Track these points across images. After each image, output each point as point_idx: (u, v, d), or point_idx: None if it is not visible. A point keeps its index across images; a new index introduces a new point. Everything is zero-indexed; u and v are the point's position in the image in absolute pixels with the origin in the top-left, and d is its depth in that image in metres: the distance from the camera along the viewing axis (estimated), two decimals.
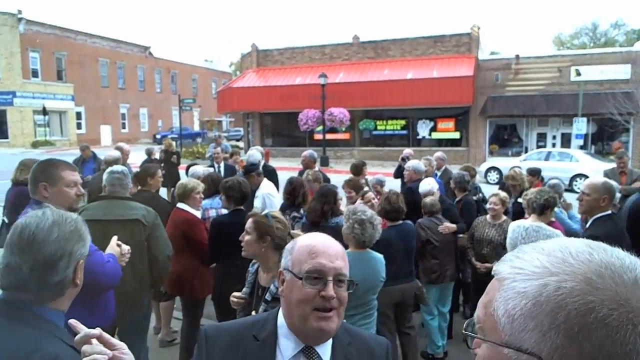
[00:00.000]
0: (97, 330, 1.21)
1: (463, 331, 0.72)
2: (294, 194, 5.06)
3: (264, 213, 2.93)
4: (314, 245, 1.44)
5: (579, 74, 22.69)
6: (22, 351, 1.36)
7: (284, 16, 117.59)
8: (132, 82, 42.95)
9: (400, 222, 4.44)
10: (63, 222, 1.53)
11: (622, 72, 21.87)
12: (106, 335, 1.22)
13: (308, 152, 7.57)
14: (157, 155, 11.70)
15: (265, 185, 6.07)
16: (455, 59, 25.05)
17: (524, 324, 0.60)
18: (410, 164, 6.73)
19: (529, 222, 3.53)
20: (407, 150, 8.72)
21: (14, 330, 1.41)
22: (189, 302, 4.56)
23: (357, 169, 6.88)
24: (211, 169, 7.26)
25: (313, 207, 4.55)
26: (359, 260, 3.38)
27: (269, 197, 5.88)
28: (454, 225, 5.19)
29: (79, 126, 37.59)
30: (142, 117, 44.29)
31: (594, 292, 0.56)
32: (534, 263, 0.63)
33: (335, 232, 4.10)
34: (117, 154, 5.79)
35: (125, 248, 2.93)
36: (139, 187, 4.99)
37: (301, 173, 6.84)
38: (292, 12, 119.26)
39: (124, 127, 41.86)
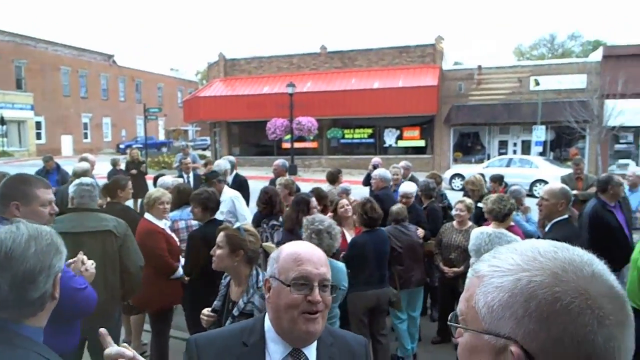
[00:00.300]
0: (131, 352, 1.22)
1: (448, 322, 0.81)
2: (270, 203, 5.10)
3: (235, 226, 2.93)
4: (299, 253, 1.52)
5: (537, 83, 23.57)
6: None
7: (250, 26, 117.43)
8: (95, 91, 42.03)
9: (376, 228, 4.56)
10: (39, 235, 1.50)
11: (579, 81, 22.83)
12: (139, 358, 1.23)
13: (280, 161, 7.66)
14: (122, 166, 11.51)
15: (228, 190, 6.08)
16: (420, 69, 25.63)
17: (502, 313, 0.69)
18: (377, 172, 6.90)
19: (491, 228, 3.70)
20: (376, 159, 8.91)
21: None
22: (154, 313, 4.54)
23: (333, 177, 7.02)
24: (180, 179, 7.22)
25: (289, 215, 4.62)
26: None
27: (237, 200, 5.88)
28: (422, 231, 5.40)
29: (38, 136, 36.48)
30: (105, 127, 43.32)
31: (559, 284, 0.67)
32: (508, 261, 0.72)
33: None
34: (86, 165, 5.72)
35: (89, 263, 2.78)
36: (108, 199, 4.92)
37: (272, 182, 6.89)
38: (258, 22, 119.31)
39: (86, 137, 40.85)
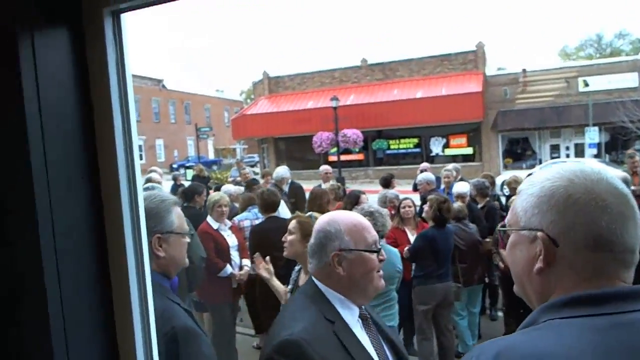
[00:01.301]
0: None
1: (498, 229, 1.07)
2: (317, 203, 5.45)
3: (307, 215, 3.23)
4: (362, 222, 1.66)
5: (587, 84, 22.97)
6: None
7: (291, 44, 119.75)
8: (147, 114, 43.99)
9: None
10: (148, 199, 1.78)
11: (630, 80, 22.10)
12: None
13: (324, 166, 8.24)
14: (182, 181, 12.16)
15: None
16: (463, 76, 25.50)
17: (532, 212, 0.92)
18: (421, 177, 7.15)
19: None
20: (424, 164, 9.10)
21: None
22: (211, 308, 5.05)
23: (386, 181, 7.48)
24: (242, 189, 7.66)
25: (343, 207, 4.96)
26: None
27: (281, 207, 6.15)
28: None
29: None
30: (158, 148, 45.17)
31: (572, 185, 0.88)
32: (539, 176, 0.95)
33: None
34: (156, 175, 6.32)
35: None
36: (185, 204, 5.48)
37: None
38: (299, 39, 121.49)
39: (141, 158, 42.31)
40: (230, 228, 5.11)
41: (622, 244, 0.85)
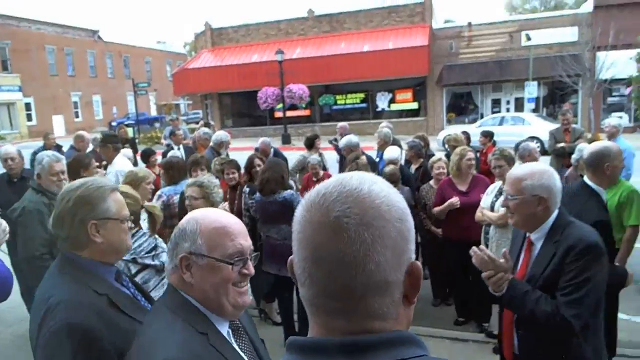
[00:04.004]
0: None
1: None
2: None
3: None
4: (228, 226, 1.41)
5: (529, 38, 23.28)
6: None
7: None
8: (83, 68, 41.36)
9: None
10: (83, 187, 1.79)
11: (570, 34, 22.54)
12: None
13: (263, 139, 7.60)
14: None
15: (119, 161, 5.64)
16: (410, 29, 25.24)
17: None
18: (343, 141, 6.62)
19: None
20: (341, 124, 8.81)
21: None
22: None
23: (310, 143, 6.92)
24: (178, 153, 7.19)
25: (268, 177, 4.40)
26: None
27: (122, 174, 4.86)
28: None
29: (29, 117, 36.08)
30: (95, 105, 42.81)
31: (305, 208, 0.79)
32: None
33: (284, 206, 4.24)
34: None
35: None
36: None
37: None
38: None
39: (77, 116, 40.41)
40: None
41: (315, 285, 0.73)
